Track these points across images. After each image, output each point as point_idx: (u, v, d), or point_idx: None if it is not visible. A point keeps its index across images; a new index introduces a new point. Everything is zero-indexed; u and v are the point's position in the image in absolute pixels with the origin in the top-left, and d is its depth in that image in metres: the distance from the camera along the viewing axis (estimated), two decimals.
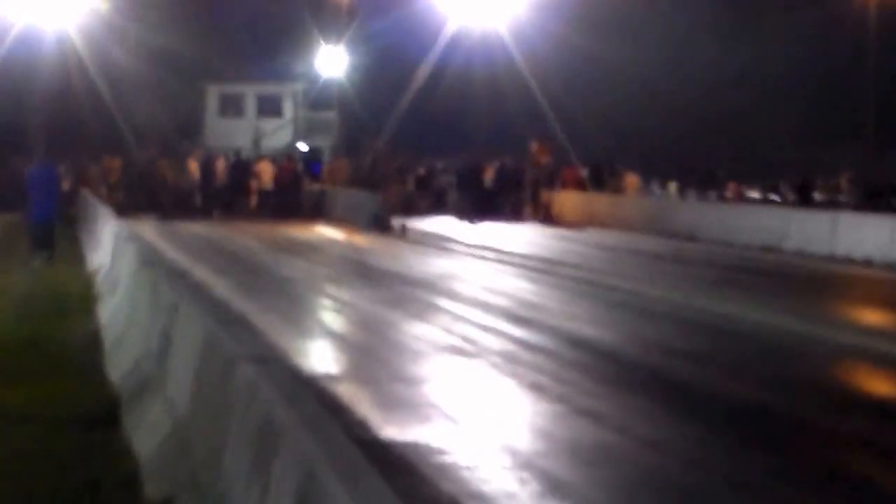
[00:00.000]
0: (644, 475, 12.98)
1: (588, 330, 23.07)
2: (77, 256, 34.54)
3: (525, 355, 19.99)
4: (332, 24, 77.31)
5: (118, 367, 16.80)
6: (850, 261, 38.63)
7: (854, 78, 69.35)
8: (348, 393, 16.61)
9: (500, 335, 22.20)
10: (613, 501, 11.99)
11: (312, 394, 8.88)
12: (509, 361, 19.41)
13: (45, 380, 16.92)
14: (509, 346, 20.89)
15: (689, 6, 74.99)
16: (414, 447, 13.56)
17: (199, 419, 10.96)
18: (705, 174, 67.00)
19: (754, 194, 64.51)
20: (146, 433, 12.55)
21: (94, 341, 19.95)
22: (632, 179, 62.14)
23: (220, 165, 60.71)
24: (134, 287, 19.68)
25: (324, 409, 8.11)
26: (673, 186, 67.52)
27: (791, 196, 60.26)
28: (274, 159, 64.45)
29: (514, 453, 13.38)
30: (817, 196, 59.79)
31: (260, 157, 64.06)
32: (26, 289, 28.01)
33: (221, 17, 74.43)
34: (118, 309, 20.88)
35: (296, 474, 6.93)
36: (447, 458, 13.07)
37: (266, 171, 61.21)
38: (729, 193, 63.49)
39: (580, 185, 61.33)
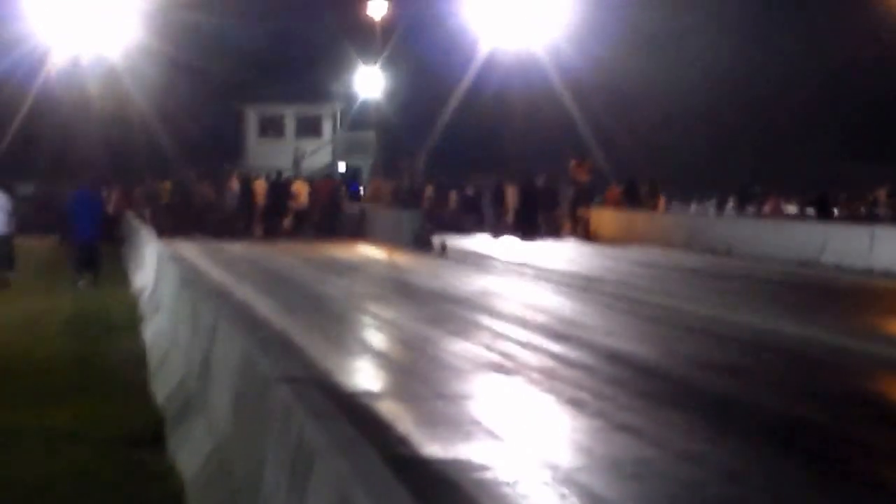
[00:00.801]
0: (683, 489, 12.94)
1: (626, 345, 23.06)
2: (122, 277, 34.63)
3: (564, 371, 20.00)
4: (367, 44, 77.29)
5: (163, 386, 16.86)
6: (887, 275, 38.50)
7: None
8: (390, 410, 16.63)
9: (539, 351, 22.20)
10: None
11: (347, 414, 8.74)
12: (549, 377, 19.40)
13: (92, 399, 17.05)
14: (548, 363, 20.88)
15: (732, 23, 74.78)
16: (455, 463, 13.56)
17: (238, 440, 10.96)
18: (743, 190, 66.77)
19: (792, 209, 64.23)
20: (189, 453, 12.57)
21: (139, 361, 20.04)
22: (660, 201, 62.23)
23: (261, 186, 60.75)
24: (176, 307, 19.75)
25: (357, 430, 8.08)
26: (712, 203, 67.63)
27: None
28: (311, 180, 64.70)
29: (554, 468, 13.37)
30: (836, 211, 59.74)
31: (296, 178, 63.92)
32: (72, 309, 28.10)
33: (259, 40, 74.23)
34: (162, 328, 20.96)
35: (330, 497, 6.94)
36: (488, 475, 13.07)
37: (302, 192, 61.20)
38: (767, 208, 63.26)
39: (618, 203, 61.28)
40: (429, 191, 63.83)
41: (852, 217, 53.19)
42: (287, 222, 59.61)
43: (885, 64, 70.67)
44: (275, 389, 9.67)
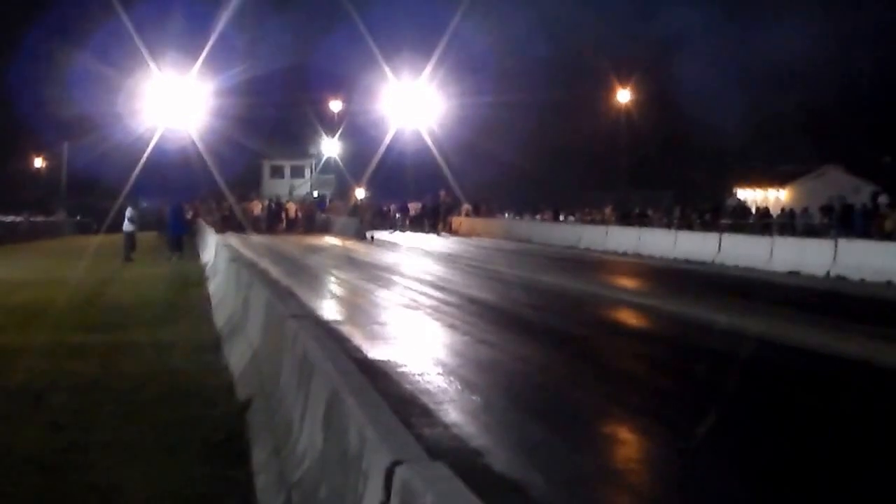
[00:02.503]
0: (518, 377, 12.49)
1: (479, 293, 22.53)
2: (195, 255, 33.88)
3: (444, 308, 19.44)
4: (330, 125, 77.87)
5: (220, 318, 16.21)
6: (615, 254, 38.51)
7: (612, 149, 69.53)
8: (348, 331, 16.02)
9: (429, 297, 21.59)
10: (501, 392, 11.49)
11: (334, 339, 8.22)
12: (436, 312, 18.88)
13: (179, 323, 16.46)
14: (435, 303, 20.30)
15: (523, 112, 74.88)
16: (385, 363, 13.00)
17: (265, 351, 10.38)
18: (535, 206, 66.97)
19: (562, 217, 64.12)
20: (236, 357, 11.98)
21: (205, 302, 19.39)
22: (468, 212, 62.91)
23: (257, 206, 62.57)
24: (227, 272, 19.22)
25: (341, 348, 7.55)
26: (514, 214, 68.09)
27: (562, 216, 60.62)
28: (303, 201, 65.64)
29: (443, 365, 12.84)
30: (573, 218, 60.44)
31: (288, 201, 64.66)
32: (167, 273, 27.62)
33: (271, 122, 74.04)
34: (218, 285, 20.36)
35: (325, 390, 6.40)
36: (405, 369, 12.51)
37: (291, 208, 62.59)
38: (547, 216, 63.28)
39: (468, 214, 61.53)
40: (368, 209, 64.12)
41: (593, 222, 53.20)
42: (282, 226, 59.75)
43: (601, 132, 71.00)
44: (287, 322, 9.14)
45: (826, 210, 42.15)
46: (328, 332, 15.07)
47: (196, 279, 25.05)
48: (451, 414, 10.06)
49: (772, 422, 10.24)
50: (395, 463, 4.22)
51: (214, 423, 9.13)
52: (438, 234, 56.23)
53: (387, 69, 66.63)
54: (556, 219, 58.73)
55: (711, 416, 9.88)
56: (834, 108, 71.69)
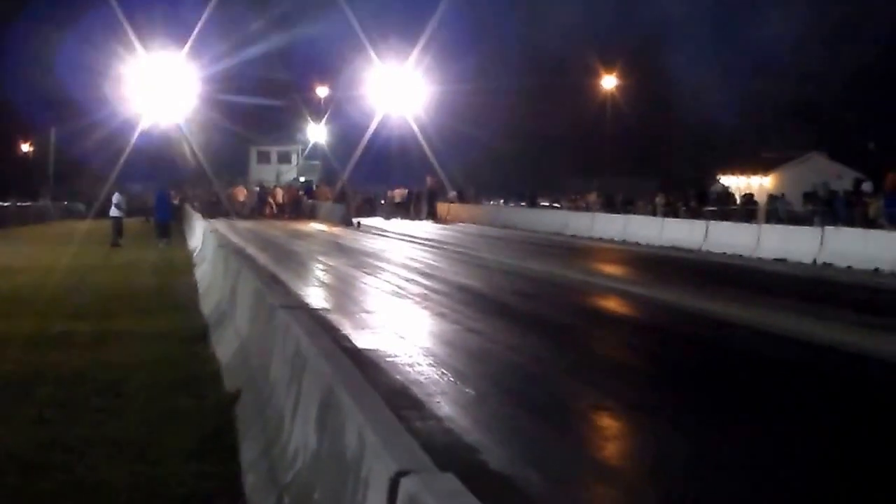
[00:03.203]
0: (509, 367, 12.22)
1: (466, 280, 22.28)
2: (183, 241, 33.49)
3: (433, 296, 19.13)
4: (316, 111, 77.41)
5: (207, 306, 15.85)
6: (601, 240, 38.30)
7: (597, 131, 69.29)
8: (336, 319, 15.73)
9: (417, 284, 21.31)
10: (494, 383, 11.18)
11: (326, 332, 7.92)
12: (424, 299, 18.59)
13: (166, 313, 16.06)
14: (423, 291, 20.00)
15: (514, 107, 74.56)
16: (375, 352, 12.71)
17: (253, 341, 10.03)
18: (518, 193, 66.66)
19: (544, 203, 63.79)
20: (224, 347, 11.64)
21: (193, 290, 18.98)
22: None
23: (242, 192, 62.00)
24: (214, 259, 18.89)
25: (335, 342, 7.25)
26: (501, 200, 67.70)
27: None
28: (289, 186, 65.09)
29: (433, 355, 12.55)
30: (558, 205, 60.47)
31: (275, 186, 64.13)
32: (154, 259, 27.30)
33: (258, 109, 73.53)
34: (206, 272, 20.00)
35: (319, 387, 6.09)
36: (396, 359, 12.22)
37: (278, 194, 62.25)
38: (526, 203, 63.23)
39: (454, 200, 61.19)
40: (357, 195, 63.55)
41: (577, 208, 52.97)
42: (271, 210, 59.33)
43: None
44: (278, 312, 8.81)
45: (810, 196, 42.05)
46: (316, 320, 14.81)
47: (183, 266, 24.69)
48: (444, 407, 9.78)
49: (770, 414, 10.01)
50: (401, 473, 3.93)
51: (202, 417, 8.83)
52: (424, 220, 55.91)
53: (373, 55, 66.38)
54: (532, 205, 58.49)
55: (704, 410, 9.65)
56: (820, 95, 71.56)
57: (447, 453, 8.18)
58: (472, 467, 7.77)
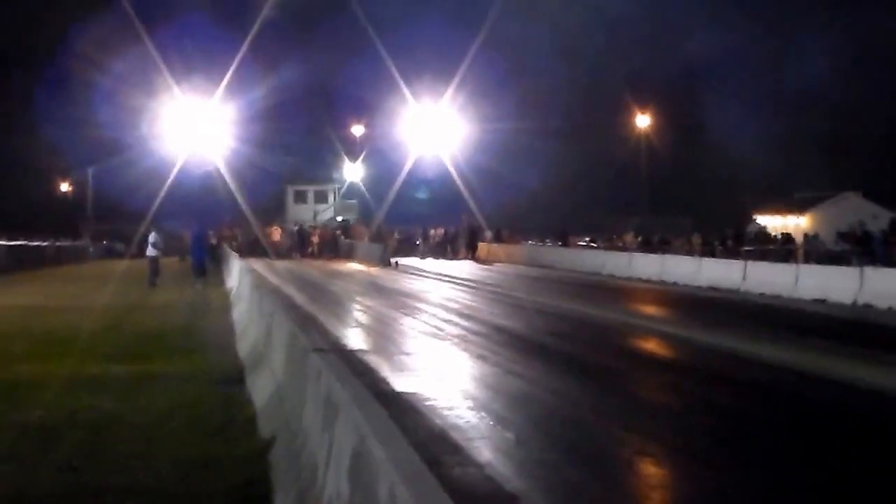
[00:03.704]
0: (551, 413, 11.81)
1: (505, 322, 21.91)
2: (220, 281, 33.32)
3: (472, 337, 18.80)
4: (352, 149, 77.71)
5: (243, 347, 15.63)
6: (640, 280, 37.82)
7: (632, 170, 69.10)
8: (374, 361, 15.46)
9: (456, 325, 20.98)
10: (535, 428, 10.83)
11: (358, 377, 7.63)
12: (463, 341, 18.24)
13: (201, 353, 15.88)
14: (462, 332, 19.66)
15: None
16: (413, 395, 12.40)
17: (288, 385, 9.78)
18: (558, 232, 66.29)
19: (581, 243, 63.34)
20: (259, 391, 11.37)
21: (229, 331, 18.77)
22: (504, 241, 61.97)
23: (276, 232, 61.58)
24: (250, 300, 18.70)
25: (368, 383, 6.95)
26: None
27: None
28: (325, 226, 65.39)
29: (474, 399, 12.21)
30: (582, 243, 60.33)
31: (313, 227, 63.87)
32: (191, 299, 27.17)
33: (295, 149, 73.95)
34: (242, 311, 19.85)
35: (351, 437, 5.79)
36: (435, 402, 11.90)
37: (315, 234, 61.68)
38: (569, 242, 62.81)
39: (490, 241, 60.70)
40: (394, 234, 63.11)
41: (614, 248, 52.59)
42: (309, 250, 59.34)
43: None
44: (311, 357, 8.55)
45: (845, 236, 41.46)
46: (353, 362, 14.56)
47: (220, 306, 24.52)
48: (484, 452, 9.44)
49: (815, 459, 9.59)
50: None
51: (236, 465, 8.55)
52: (462, 260, 55.58)
53: (407, 94, 66.50)
54: (564, 243, 58.06)
55: (752, 457, 9.26)
56: (853, 133, 70.95)
57: (487, 501, 7.88)
58: None
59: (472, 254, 56.78)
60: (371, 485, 4.92)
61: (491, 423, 10.84)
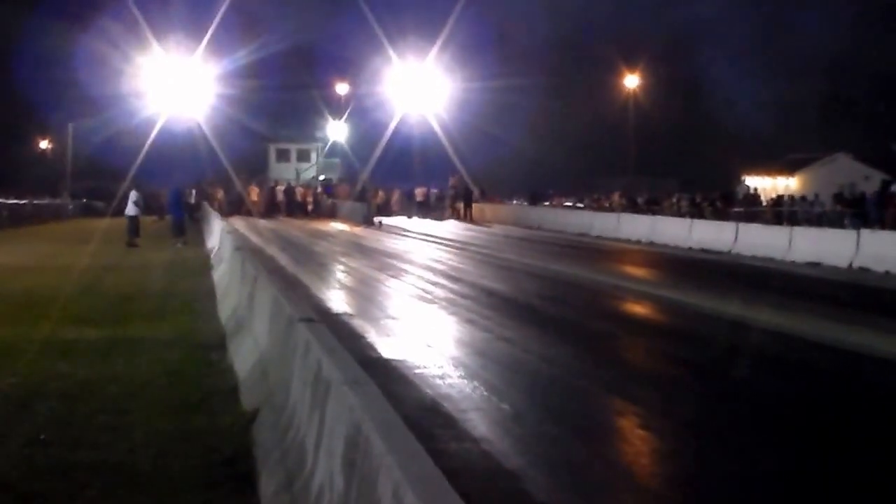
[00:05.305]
0: (545, 380, 11.36)
1: (493, 284, 21.39)
2: (200, 242, 32.70)
3: (460, 300, 18.31)
4: (336, 108, 76.64)
5: (224, 311, 15.04)
6: (627, 241, 37.41)
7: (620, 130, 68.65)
8: (360, 325, 15.01)
9: (443, 288, 20.50)
10: (531, 399, 10.37)
11: (348, 351, 7.08)
12: (451, 305, 17.76)
13: (182, 317, 15.33)
14: (450, 295, 19.17)
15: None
16: (401, 362, 11.96)
17: (273, 354, 9.22)
18: (542, 192, 65.74)
19: (568, 203, 62.84)
20: (242, 359, 10.80)
21: (210, 294, 18.18)
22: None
23: (254, 191, 60.00)
24: (231, 262, 18.09)
25: (359, 365, 6.41)
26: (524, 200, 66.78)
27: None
28: (308, 185, 64.54)
29: (465, 367, 11.76)
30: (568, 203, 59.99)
31: (297, 186, 63.45)
32: (171, 260, 26.62)
33: (277, 106, 72.96)
34: (223, 274, 19.23)
35: (345, 422, 5.27)
36: (424, 370, 11.45)
37: (300, 193, 61.09)
38: (555, 202, 62.26)
39: (477, 200, 60.10)
40: (379, 193, 62.19)
41: (600, 208, 52.09)
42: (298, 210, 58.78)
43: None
44: (297, 327, 7.98)
45: (838, 198, 41.14)
46: (339, 327, 14.04)
47: (200, 267, 23.92)
48: (479, 426, 8.98)
49: (814, 429, 9.17)
50: None
51: (218, 438, 8.06)
52: (444, 220, 55.04)
53: (392, 53, 65.62)
54: (533, 203, 57.52)
55: (762, 432, 8.82)
56: (846, 95, 70.48)
57: (486, 481, 7.42)
58: (515, 498, 7.02)
59: (468, 214, 55.97)
60: (370, 480, 4.44)
61: (484, 392, 10.38)
